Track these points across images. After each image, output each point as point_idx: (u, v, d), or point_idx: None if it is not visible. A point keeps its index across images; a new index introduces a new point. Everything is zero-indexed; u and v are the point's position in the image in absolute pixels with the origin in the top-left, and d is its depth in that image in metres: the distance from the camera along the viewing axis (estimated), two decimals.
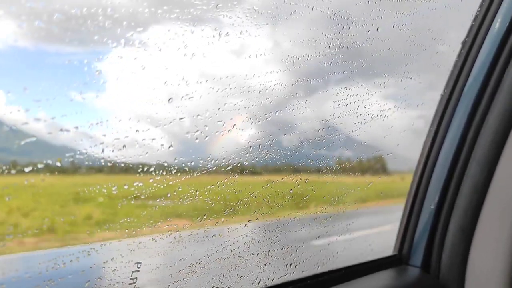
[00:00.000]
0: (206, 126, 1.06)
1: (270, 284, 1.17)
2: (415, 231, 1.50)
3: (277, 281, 1.19)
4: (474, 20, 1.37)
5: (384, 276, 1.45)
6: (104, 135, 0.89)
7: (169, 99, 0.99)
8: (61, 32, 0.85)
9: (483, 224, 1.36)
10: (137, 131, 0.93)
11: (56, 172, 0.80)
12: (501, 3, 1.32)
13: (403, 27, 1.36)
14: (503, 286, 1.33)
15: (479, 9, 1.36)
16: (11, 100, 0.81)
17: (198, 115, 1.06)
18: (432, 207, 1.45)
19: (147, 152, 0.94)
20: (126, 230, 0.87)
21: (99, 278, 0.84)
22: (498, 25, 1.33)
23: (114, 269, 0.86)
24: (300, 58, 1.29)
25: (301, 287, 1.23)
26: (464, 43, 1.39)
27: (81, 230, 0.91)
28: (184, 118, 1.04)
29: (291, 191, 1.19)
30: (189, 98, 1.02)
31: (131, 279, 0.87)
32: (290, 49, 1.29)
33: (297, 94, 1.33)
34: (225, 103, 1.12)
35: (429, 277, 1.46)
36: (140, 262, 0.88)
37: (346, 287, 1.33)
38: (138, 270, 0.88)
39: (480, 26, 1.36)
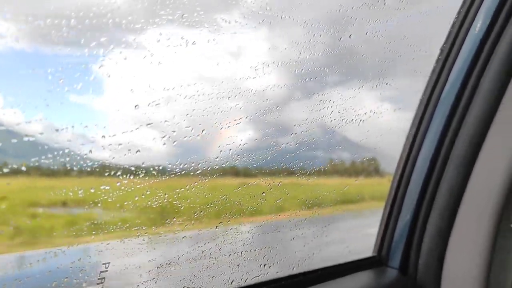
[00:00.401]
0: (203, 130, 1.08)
1: (243, 284, 1.21)
2: (394, 233, 1.53)
3: (251, 281, 1.22)
4: (452, 26, 1.39)
5: (363, 277, 1.48)
6: (99, 146, 0.92)
7: (164, 104, 1.01)
8: (58, 33, 0.87)
9: (459, 227, 1.39)
10: (131, 131, 0.95)
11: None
12: (478, 10, 1.34)
13: (383, 33, 1.38)
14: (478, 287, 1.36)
15: (456, 16, 1.38)
16: (8, 102, 0.84)
17: (191, 116, 1.08)
18: (410, 210, 1.48)
19: (125, 154, 0.97)
20: (93, 232, 0.91)
21: (66, 277, 0.88)
22: (475, 32, 1.35)
23: (82, 269, 0.90)
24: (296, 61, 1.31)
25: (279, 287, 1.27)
26: (442, 49, 1.41)
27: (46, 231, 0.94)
28: (180, 121, 1.06)
29: (263, 194, 1.22)
30: (185, 98, 1.04)
31: (99, 279, 0.91)
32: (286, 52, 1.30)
33: (292, 96, 1.35)
34: (220, 106, 1.14)
35: (407, 278, 1.49)
36: (108, 263, 0.92)
37: (325, 287, 1.36)
38: (106, 271, 0.92)
39: (457, 33, 1.38)
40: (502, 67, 1.29)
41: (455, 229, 1.39)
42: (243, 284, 1.20)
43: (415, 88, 1.60)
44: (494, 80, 1.31)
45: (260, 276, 1.24)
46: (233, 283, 1.18)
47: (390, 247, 1.54)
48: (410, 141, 1.48)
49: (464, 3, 1.37)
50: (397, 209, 1.51)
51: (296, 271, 1.33)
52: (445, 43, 1.40)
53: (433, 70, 1.43)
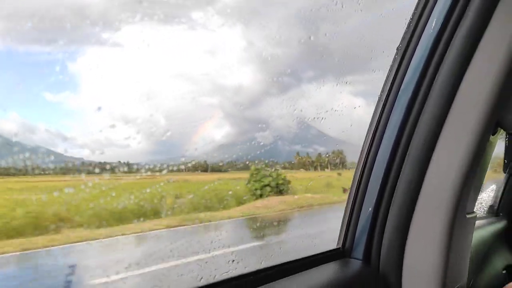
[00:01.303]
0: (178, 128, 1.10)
1: (212, 281, 1.24)
2: (357, 225, 1.59)
3: (219, 277, 1.26)
4: (408, 26, 1.44)
5: (327, 269, 1.53)
6: (75, 143, 0.92)
7: (141, 98, 1.02)
8: (31, 31, 0.86)
9: (417, 218, 1.45)
10: (107, 128, 0.96)
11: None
12: (431, 12, 1.40)
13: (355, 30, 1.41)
14: (436, 276, 1.43)
15: (411, 18, 1.43)
16: None
17: (168, 113, 1.09)
18: (372, 203, 1.54)
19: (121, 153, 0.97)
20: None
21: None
22: (429, 33, 1.40)
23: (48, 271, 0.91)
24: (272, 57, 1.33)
25: (244, 283, 1.30)
26: (398, 49, 1.47)
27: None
28: (158, 118, 1.07)
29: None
30: (162, 97, 1.05)
31: (66, 282, 0.93)
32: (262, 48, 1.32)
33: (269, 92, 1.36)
34: (198, 103, 1.15)
35: (370, 268, 1.55)
36: (75, 265, 0.94)
37: (290, 280, 1.40)
38: (73, 273, 0.94)
39: (412, 34, 1.43)
40: (455, 66, 1.35)
41: (414, 220, 1.46)
42: (212, 281, 1.24)
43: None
44: (448, 78, 1.36)
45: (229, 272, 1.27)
46: (202, 280, 1.21)
47: (354, 239, 1.59)
48: (371, 136, 1.53)
49: (418, 2, 1.42)
50: (360, 202, 1.57)
51: (262, 266, 1.37)
52: (401, 41, 1.46)
53: (390, 68, 1.48)
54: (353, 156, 1.75)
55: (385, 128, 1.50)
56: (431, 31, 1.42)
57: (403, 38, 1.45)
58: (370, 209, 1.55)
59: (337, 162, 1.65)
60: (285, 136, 1.37)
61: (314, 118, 1.45)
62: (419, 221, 1.45)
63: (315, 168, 1.45)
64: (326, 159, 1.56)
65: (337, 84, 1.49)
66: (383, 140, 1.51)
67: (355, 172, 1.59)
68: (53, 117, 0.89)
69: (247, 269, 1.34)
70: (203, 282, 1.23)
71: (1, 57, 0.87)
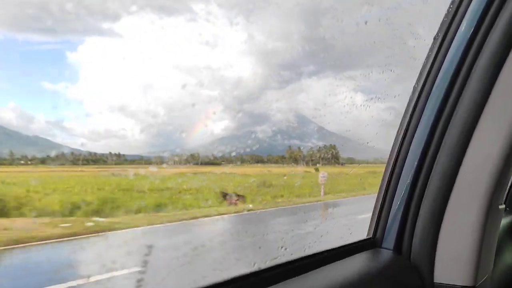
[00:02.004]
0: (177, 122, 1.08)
1: (249, 270, 1.23)
2: (388, 215, 1.58)
3: (251, 269, 1.25)
4: (446, 16, 1.42)
5: (358, 259, 1.53)
6: (73, 133, 0.91)
7: (139, 97, 1.01)
8: (31, 21, 0.85)
9: (451, 209, 1.45)
10: (107, 119, 0.95)
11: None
12: (467, 7, 1.37)
13: (377, 20, 1.39)
14: (469, 266, 1.43)
15: (451, 6, 1.41)
16: None
17: (168, 104, 1.08)
18: (404, 192, 1.53)
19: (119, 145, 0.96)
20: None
21: None
22: (467, 22, 1.39)
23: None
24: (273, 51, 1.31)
25: (278, 274, 1.29)
26: (435, 38, 1.44)
27: None
28: (157, 110, 1.06)
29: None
30: (162, 89, 1.04)
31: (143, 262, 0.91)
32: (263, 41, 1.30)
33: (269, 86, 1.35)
34: (197, 95, 1.14)
35: (401, 258, 1.55)
36: (151, 245, 0.92)
37: (322, 271, 1.40)
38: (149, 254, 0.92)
39: (451, 22, 1.41)
40: (495, 54, 1.34)
41: (448, 210, 1.45)
42: (251, 270, 1.23)
43: (390, 79, 1.63)
44: (485, 68, 1.35)
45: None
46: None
47: (385, 229, 1.59)
48: (405, 126, 1.52)
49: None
50: (392, 191, 1.56)
51: (294, 256, 1.37)
52: (438, 32, 1.44)
53: (427, 57, 1.46)
54: (351, 151, 1.73)
55: (421, 117, 1.48)
56: (467, 21, 1.39)
57: (441, 27, 1.43)
58: (402, 199, 1.54)
59: (329, 157, 1.60)
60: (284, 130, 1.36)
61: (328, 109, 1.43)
62: (453, 211, 1.45)
63: (307, 163, 1.43)
64: (318, 154, 1.52)
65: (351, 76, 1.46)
66: (417, 129, 1.50)
67: (388, 162, 1.58)
68: (51, 106, 0.87)
69: (281, 260, 1.33)
70: (248, 270, 1.23)
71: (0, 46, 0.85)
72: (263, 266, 1.28)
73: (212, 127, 1.10)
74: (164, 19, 0.88)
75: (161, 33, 0.88)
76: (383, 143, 1.59)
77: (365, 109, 1.50)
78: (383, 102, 1.57)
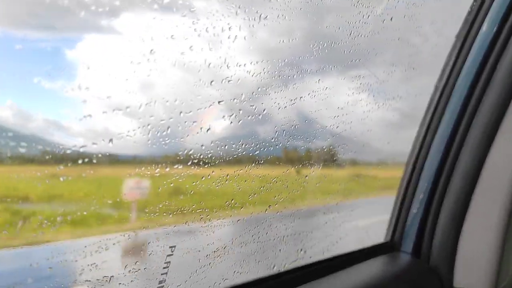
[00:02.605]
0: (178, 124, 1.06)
1: (268, 273, 1.20)
2: (406, 218, 1.54)
3: (270, 272, 1.22)
4: (469, 14, 1.39)
5: (377, 263, 1.49)
6: (71, 133, 0.88)
7: (138, 96, 0.98)
8: (28, 17, 0.83)
9: (473, 211, 1.41)
10: (106, 118, 0.92)
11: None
12: (490, 5, 1.35)
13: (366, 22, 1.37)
14: (491, 270, 1.39)
15: (474, 3, 1.38)
16: None
17: (168, 103, 1.05)
18: (424, 195, 1.50)
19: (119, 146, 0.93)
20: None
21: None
22: (490, 20, 1.36)
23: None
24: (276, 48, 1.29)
25: (295, 277, 1.26)
26: (458, 36, 1.42)
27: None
28: (157, 110, 1.03)
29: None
30: (163, 87, 1.01)
31: (165, 263, 0.88)
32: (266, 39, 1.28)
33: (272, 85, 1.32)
34: (198, 93, 1.11)
35: (420, 262, 1.51)
36: (174, 246, 0.89)
37: (340, 274, 1.37)
38: (172, 254, 0.89)
39: (473, 21, 1.39)
40: None
41: (469, 213, 1.42)
42: (269, 273, 1.20)
43: (395, 79, 1.60)
44: (510, 67, 1.32)
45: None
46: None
47: (403, 232, 1.55)
48: (425, 126, 1.49)
49: None
50: (411, 194, 1.53)
51: (311, 260, 1.34)
52: (461, 30, 1.41)
53: (449, 56, 1.44)
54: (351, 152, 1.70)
55: (442, 116, 1.46)
56: (491, 20, 1.37)
57: (464, 25, 1.41)
58: (421, 202, 1.51)
59: (326, 158, 1.55)
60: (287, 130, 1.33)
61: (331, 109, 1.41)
62: (475, 213, 1.41)
63: (303, 165, 1.38)
64: (315, 155, 1.48)
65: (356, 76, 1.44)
66: (439, 129, 1.46)
67: (407, 162, 1.54)
68: (50, 105, 0.85)
69: (299, 263, 1.31)
70: (267, 273, 1.20)
71: None
72: (282, 269, 1.25)
73: (213, 127, 1.07)
74: (164, 15, 0.87)
75: (161, 30, 0.87)
76: (396, 144, 1.56)
77: (372, 109, 1.47)
78: (392, 102, 1.54)
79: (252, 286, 1.14)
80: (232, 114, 1.19)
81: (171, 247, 0.90)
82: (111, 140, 0.93)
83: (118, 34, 0.94)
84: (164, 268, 0.90)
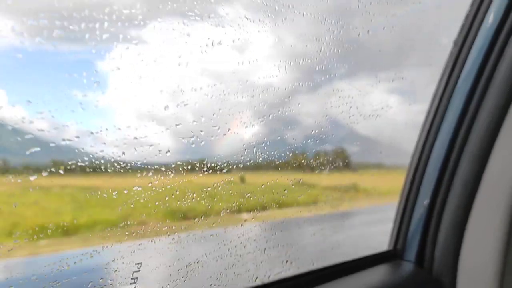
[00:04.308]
0: (201, 131, 1.07)
1: (266, 281, 1.20)
2: (409, 226, 1.53)
3: (273, 278, 1.22)
4: (465, 19, 1.39)
5: (379, 271, 1.48)
6: (105, 142, 0.91)
7: (166, 107, 1.00)
8: (59, 30, 0.85)
9: (474, 219, 1.39)
10: (136, 137, 0.95)
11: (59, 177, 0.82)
12: (491, 2, 1.35)
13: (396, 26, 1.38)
14: (494, 280, 1.37)
15: (470, 9, 1.38)
16: (12, 100, 0.82)
17: (198, 111, 1.07)
18: (425, 203, 1.48)
19: (145, 157, 0.95)
20: (126, 233, 0.90)
21: (101, 278, 0.87)
22: (488, 24, 1.35)
23: (116, 270, 0.89)
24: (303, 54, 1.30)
25: (296, 284, 1.27)
26: (455, 42, 1.42)
27: (84, 233, 0.93)
28: (184, 120, 1.05)
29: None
30: (185, 105, 1.03)
31: (132, 279, 0.90)
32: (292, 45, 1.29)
33: (299, 90, 1.33)
34: (228, 101, 1.12)
35: (423, 271, 1.50)
36: (141, 263, 0.91)
37: (342, 282, 1.36)
38: (139, 270, 0.91)
39: (471, 25, 1.38)
40: None
41: (470, 222, 1.40)
42: (266, 281, 1.20)
43: (425, 80, 1.61)
44: (508, 73, 1.31)
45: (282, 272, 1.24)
46: (257, 280, 1.18)
47: (406, 240, 1.54)
48: (425, 134, 1.48)
49: None
50: (412, 203, 1.52)
51: (313, 267, 1.34)
52: (458, 34, 1.41)
53: (447, 62, 1.43)
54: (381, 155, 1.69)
55: (441, 124, 1.45)
56: (488, 24, 1.37)
57: (461, 30, 1.40)
58: (423, 210, 1.50)
59: (337, 163, 1.52)
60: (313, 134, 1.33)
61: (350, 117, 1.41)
62: (476, 222, 1.39)
63: (312, 169, 1.36)
64: (325, 159, 1.45)
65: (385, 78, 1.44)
66: (438, 137, 1.46)
67: (408, 170, 1.54)
68: (83, 116, 0.87)
69: (299, 271, 1.31)
70: (257, 283, 1.20)
71: (31, 57, 0.85)
72: (284, 276, 1.25)
73: (241, 134, 1.09)
74: (190, 24, 0.89)
75: (188, 39, 0.89)
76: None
77: (400, 112, 1.48)
78: (418, 105, 1.54)
79: None
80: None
81: (137, 263, 0.92)
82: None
83: (146, 44, 0.96)
84: (131, 284, 0.92)
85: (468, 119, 1.38)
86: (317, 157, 1.44)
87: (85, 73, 0.89)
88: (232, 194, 1.13)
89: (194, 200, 1.02)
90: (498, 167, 1.35)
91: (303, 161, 1.41)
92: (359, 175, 1.68)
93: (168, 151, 1.02)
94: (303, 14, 1.24)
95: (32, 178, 0.79)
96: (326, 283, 1.33)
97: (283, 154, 1.31)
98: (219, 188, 1.08)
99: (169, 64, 1.01)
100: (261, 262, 1.25)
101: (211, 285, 1.10)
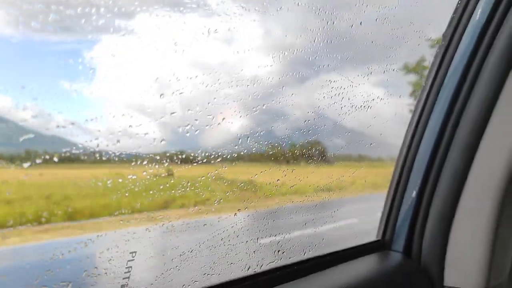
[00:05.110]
0: (196, 120, 1.07)
1: (259, 270, 1.21)
2: (397, 217, 1.55)
3: (265, 267, 1.23)
4: (454, 12, 1.41)
5: (368, 261, 1.50)
6: (99, 130, 0.90)
7: (160, 95, 1.00)
8: (48, 19, 0.85)
9: (462, 210, 1.42)
10: (130, 125, 0.94)
11: (53, 166, 0.81)
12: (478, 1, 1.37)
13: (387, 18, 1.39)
14: (481, 270, 1.39)
15: (459, 2, 1.40)
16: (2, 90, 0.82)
17: (188, 108, 1.07)
18: (413, 194, 1.50)
19: (140, 146, 0.95)
20: (121, 221, 0.90)
21: (95, 267, 0.87)
22: (477, 18, 1.37)
23: (110, 259, 0.89)
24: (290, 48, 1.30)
25: (287, 273, 1.28)
26: (444, 35, 1.43)
27: (79, 221, 0.93)
28: (175, 109, 1.04)
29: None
30: (180, 93, 1.02)
31: (126, 267, 0.90)
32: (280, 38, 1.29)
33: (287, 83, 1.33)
34: (216, 93, 1.12)
35: (411, 261, 1.52)
36: (135, 252, 0.91)
37: (331, 272, 1.38)
38: (133, 259, 0.91)
39: (460, 19, 1.40)
40: (504, 53, 1.32)
41: (458, 212, 1.42)
42: (259, 270, 1.21)
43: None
44: (496, 65, 1.33)
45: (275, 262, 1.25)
46: (249, 269, 1.19)
47: (394, 231, 1.56)
48: (414, 126, 1.50)
49: None
50: (401, 193, 1.54)
51: (306, 256, 1.35)
52: (447, 29, 1.43)
53: (436, 56, 1.45)
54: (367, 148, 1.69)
55: (429, 116, 1.47)
56: (477, 18, 1.39)
57: (450, 23, 1.42)
58: (411, 201, 1.52)
59: (312, 154, 1.49)
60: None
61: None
62: (463, 213, 1.42)
63: (287, 161, 1.35)
64: (300, 151, 1.44)
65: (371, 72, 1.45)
66: (427, 129, 1.47)
67: (397, 162, 1.56)
68: (70, 106, 0.86)
69: (289, 261, 1.32)
70: (249, 272, 1.21)
71: (18, 47, 0.85)
72: (272, 266, 1.26)
73: (229, 125, 1.08)
74: (179, 15, 0.88)
75: (176, 30, 0.89)
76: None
77: (386, 105, 1.49)
78: (404, 98, 1.56)
79: (240, 283, 1.15)
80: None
81: (131, 252, 0.92)
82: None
83: (134, 34, 0.96)
84: (125, 273, 0.91)
85: (457, 112, 1.41)
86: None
87: (80, 60, 0.89)
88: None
89: None
90: (485, 160, 1.37)
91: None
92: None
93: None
94: (292, 7, 1.24)
95: (25, 165, 0.78)
96: (315, 272, 1.34)
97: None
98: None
99: (159, 55, 1.00)
100: None
101: None
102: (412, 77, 1.62)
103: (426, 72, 1.50)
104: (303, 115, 1.41)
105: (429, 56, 1.48)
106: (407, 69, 1.61)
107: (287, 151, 1.38)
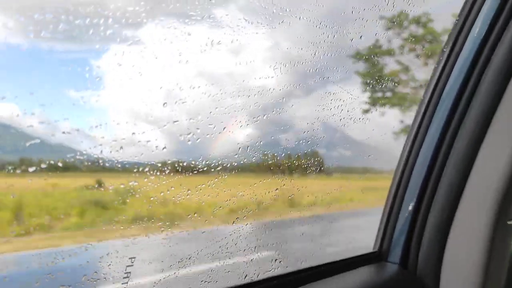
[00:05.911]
0: (198, 129, 1.08)
1: (255, 279, 1.22)
2: (394, 229, 1.56)
3: (262, 276, 1.24)
4: (453, 28, 1.43)
5: (364, 272, 1.51)
6: (103, 137, 0.91)
7: (164, 103, 1.01)
8: (56, 29, 0.86)
9: (458, 222, 1.43)
10: (133, 133, 0.95)
11: (58, 172, 0.82)
12: (478, 12, 1.39)
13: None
14: (476, 282, 1.40)
15: (457, 18, 1.42)
16: (6, 97, 0.82)
17: (191, 118, 1.08)
18: (410, 206, 1.52)
19: (142, 153, 0.96)
20: (121, 227, 0.91)
21: (95, 272, 0.88)
22: (475, 34, 1.39)
23: (109, 264, 0.90)
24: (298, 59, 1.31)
25: (283, 283, 1.28)
26: (443, 49, 1.46)
27: (80, 228, 0.94)
28: (180, 118, 1.05)
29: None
30: (183, 102, 1.03)
31: (125, 273, 0.91)
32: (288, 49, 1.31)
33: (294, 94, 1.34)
34: (223, 104, 1.13)
35: (407, 272, 1.53)
36: (134, 257, 0.92)
37: (328, 282, 1.38)
38: (132, 265, 0.92)
39: (458, 35, 1.42)
40: (502, 67, 1.34)
41: (454, 224, 1.43)
42: (256, 279, 1.22)
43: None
44: (494, 79, 1.35)
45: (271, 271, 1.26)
46: (246, 277, 1.19)
47: (391, 242, 1.57)
48: (412, 138, 1.52)
49: (465, 4, 1.41)
50: (398, 205, 1.55)
51: (302, 266, 1.36)
52: (446, 43, 1.45)
53: (434, 69, 1.47)
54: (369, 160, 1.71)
55: (428, 129, 1.48)
56: (476, 32, 1.41)
57: (448, 38, 1.44)
58: (408, 213, 1.53)
59: (309, 165, 1.49)
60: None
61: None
62: (460, 225, 1.43)
63: (282, 172, 1.34)
64: (297, 161, 1.44)
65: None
66: (425, 141, 1.49)
67: (395, 173, 1.57)
68: (77, 114, 0.87)
69: (284, 271, 1.32)
70: (246, 281, 1.22)
71: (27, 55, 0.86)
72: (268, 275, 1.27)
73: (235, 135, 1.10)
74: (187, 26, 0.89)
75: (184, 41, 0.90)
76: None
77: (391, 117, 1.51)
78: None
79: None
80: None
81: (130, 258, 0.93)
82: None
83: (141, 44, 0.97)
84: (124, 278, 0.92)
85: (454, 125, 1.42)
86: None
87: (87, 69, 0.90)
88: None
89: None
90: (482, 172, 1.39)
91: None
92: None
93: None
94: (300, 18, 1.26)
95: (30, 169, 0.79)
96: (311, 283, 1.35)
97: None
98: None
99: (165, 65, 1.01)
100: None
101: None
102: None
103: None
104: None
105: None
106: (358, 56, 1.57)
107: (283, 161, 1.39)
